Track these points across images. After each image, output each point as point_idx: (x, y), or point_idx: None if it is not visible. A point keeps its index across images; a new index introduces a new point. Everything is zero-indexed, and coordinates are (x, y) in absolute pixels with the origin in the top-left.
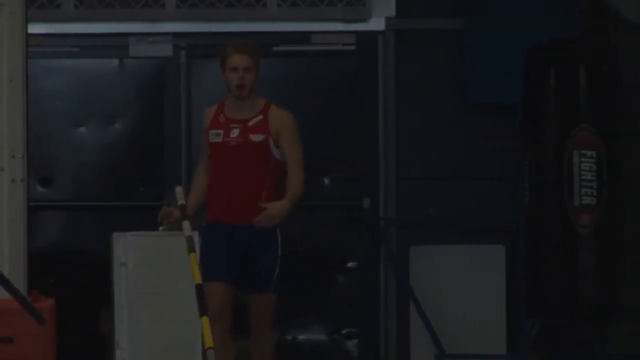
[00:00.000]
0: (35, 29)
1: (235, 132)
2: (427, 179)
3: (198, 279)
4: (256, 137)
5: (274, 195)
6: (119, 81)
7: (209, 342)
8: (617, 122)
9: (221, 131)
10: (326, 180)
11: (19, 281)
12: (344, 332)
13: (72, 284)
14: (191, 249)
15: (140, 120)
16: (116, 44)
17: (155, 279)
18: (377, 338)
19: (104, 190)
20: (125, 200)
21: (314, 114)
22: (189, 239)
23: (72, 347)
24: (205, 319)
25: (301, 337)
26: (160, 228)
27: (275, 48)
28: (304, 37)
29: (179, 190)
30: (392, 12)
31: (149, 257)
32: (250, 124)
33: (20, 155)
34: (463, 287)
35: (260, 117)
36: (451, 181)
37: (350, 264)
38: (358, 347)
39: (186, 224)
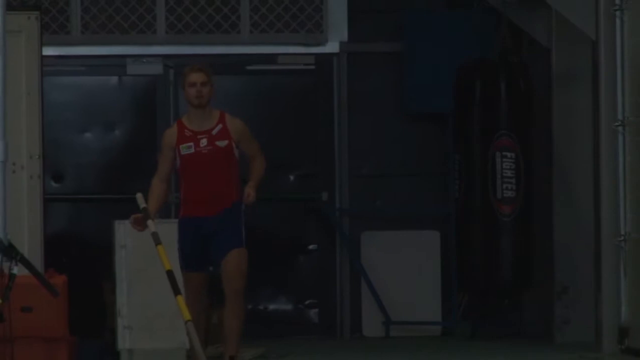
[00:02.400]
0: (48, 51)
1: (204, 142)
2: (375, 175)
3: (168, 266)
4: (221, 143)
5: (238, 186)
6: (118, 95)
7: (187, 316)
8: (531, 129)
9: (192, 143)
10: (290, 177)
11: (37, 261)
12: (306, 302)
13: (81, 263)
14: (157, 242)
15: (136, 127)
16: (115, 64)
17: (149, 259)
18: (334, 308)
19: (106, 185)
20: (123, 194)
21: (280, 122)
22: (154, 235)
23: (81, 315)
24: (179, 297)
25: (271, 307)
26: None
27: (247, 67)
28: (272, 58)
29: (139, 196)
30: (345, 37)
31: (144, 240)
32: (214, 132)
33: (37, 156)
34: (405, 266)
35: (220, 125)
36: (395, 177)
37: (311, 247)
38: (318, 315)
39: (150, 223)
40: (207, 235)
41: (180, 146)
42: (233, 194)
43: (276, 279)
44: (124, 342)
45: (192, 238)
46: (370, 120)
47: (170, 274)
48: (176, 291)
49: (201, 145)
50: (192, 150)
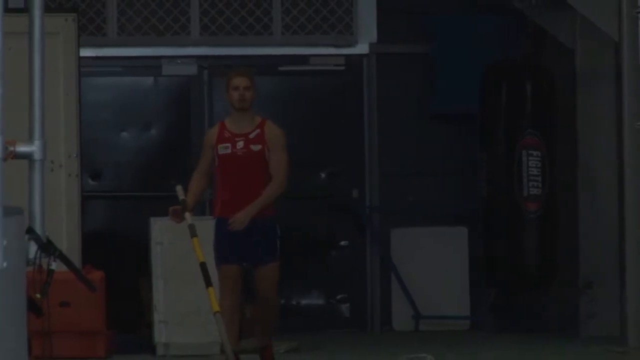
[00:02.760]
0: (85, 52)
1: (240, 144)
2: (404, 173)
3: (201, 258)
4: (255, 147)
5: None
6: (153, 95)
7: (215, 308)
8: (556, 128)
9: (229, 144)
10: (322, 176)
11: (75, 257)
12: (338, 297)
13: (118, 259)
14: (193, 235)
15: (171, 126)
16: (151, 65)
17: (185, 256)
18: (364, 303)
19: (142, 183)
20: (159, 191)
21: (311, 121)
22: (191, 227)
23: (118, 310)
24: (210, 289)
25: (303, 302)
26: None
27: (279, 68)
28: (303, 59)
29: (179, 188)
30: (374, 39)
31: (180, 237)
32: (251, 136)
33: (75, 155)
34: (434, 262)
35: (258, 130)
36: (423, 176)
37: (342, 243)
38: (349, 310)
39: (188, 215)
40: (240, 238)
41: (219, 146)
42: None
43: (308, 275)
44: (160, 336)
45: (226, 236)
46: (399, 119)
47: (203, 266)
48: (208, 283)
49: (237, 147)
50: (229, 150)
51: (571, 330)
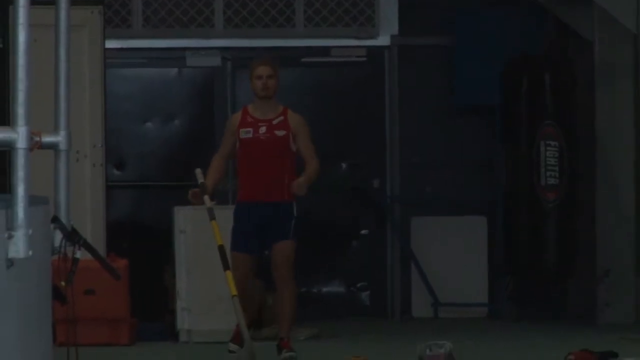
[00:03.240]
0: (110, 44)
1: (262, 129)
2: (425, 164)
3: (220, 241)
4: (280, 132)
5: (293, 177)
6: (177, 86)
7: (233, 291)
8: (574, 119)
9: (250, 129)
10: (343, 166)
11: (99, 245)
12: (358, 285)
13: (142, 247)
14: (212, 218)
15: (194, 117)
16: (175, 56)
17: (208, 244)
18: (384, 290)
19: (165, 173)
20: (182, 181)
21: (333, 112)
22: (210, 210)
23: (141, 298)
24: (228, 273)
25: (324, 289)
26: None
27: (302, 60)
28: (325, 50)
29: (198, 171)
30: (396, 31)
31: (203, 225)
32: (274, 122)
33: (100, 145)
34: (453, 250)
35: (282, 117)
36: (444, 166)
37: (363, 232)
38: (370, 298)
39: (206, 198)
40: (259, 223)
41: (241, 130)
42: (286, 186)
43: (330, 263)
44: (182, 323)
45: (245, 222)
46: (420, 110)
47: (221, 248)
48: (225, 266)
49: (260, 132)
50: (250, 135)
51: (588, 318)
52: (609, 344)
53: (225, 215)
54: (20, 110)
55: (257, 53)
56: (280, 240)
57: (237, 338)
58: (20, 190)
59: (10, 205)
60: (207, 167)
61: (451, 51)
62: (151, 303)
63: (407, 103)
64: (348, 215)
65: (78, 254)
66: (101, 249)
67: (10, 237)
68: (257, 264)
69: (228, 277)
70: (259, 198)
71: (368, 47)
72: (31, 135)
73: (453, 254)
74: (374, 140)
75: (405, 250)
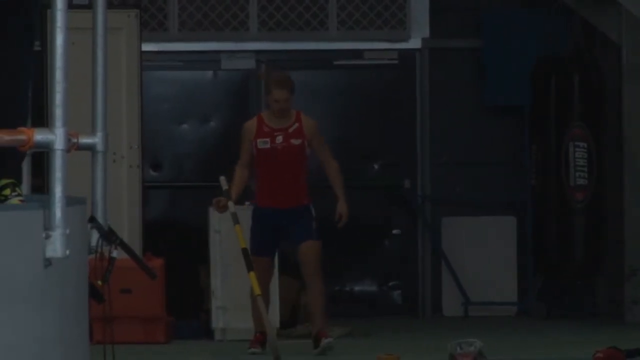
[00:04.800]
0: (147, 47)
1: (279, 139)
2: (455, 164)
3: (243, 244)
4: (296, 141)
5: (305, 181)
6: (213, 88)
7: (257, 291)
8: (602, 120)
9: (267, 139)
10: (375, 166)
11: (136, 245)
12: (390, 284)
13: (177, 247)
14: (235, 222)
15: (229, 119)
16: (211, 59)
17: None
18: (416, 289)
19: (201, 174)
20: (217, 182)
21: (365, 114)
22: (234, 215)
23: (177, 296)
24: (251, 274)
25: (357, 288)
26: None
27: (335, 62)
28: (358, 53)
29: (222, 179)
30: (426, 34)
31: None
32: (290, 130)
33: (136, 146)
34: (483, 250)
35: (296, 124)
36: (474, 166)
37: (395, 232)
38: (401, 296)
39: (231, 204)
40: (277, 227)
41: (258, 140)
42: (303, 192)
43: (362, 262)
44: (217, 321)
45: (262, 227)
46: (450, 112)
47: (244, 251)
48: (249, 268)
49: (277, 142)
50: (268, 145)
51: (616, 316)
52: (636, 341)
53: (244, 214)
54: (58, 112)
55: (291, 56)
56: (306, 240)
57: (256, 343)
58: (58, 190)
59: (47, 205)
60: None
61: (481, 53)
62: (187, 302)
63: (438, 104)
64: (380, 215)
65: (114, 254)
66: (138, 248)
67: (47, 237)
68: (273, 266)
69: (252, 277)
70: (276, 205)
71: (399, 50)
72: (69, 136)
73: (483, 253)
74: (405, 141)
75: (436, 249)
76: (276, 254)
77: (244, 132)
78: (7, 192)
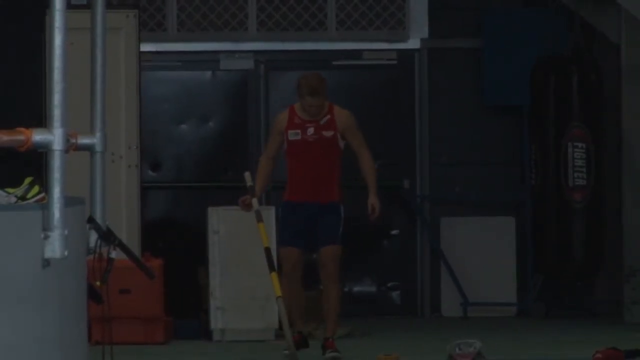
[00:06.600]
0: (146, 47)
1: (310, 130)
2: (454, 164)
3: (266, 243)
4: (327, 133)
5: (339, 174)
6: (212, 89)
7: (278, 293)
8: (601, 120)
9: (298, 131)
10: (374, 166)
11: (135, 245)
12: (389, 284)
13: (176, 247)
14: (259, 220)
15: (228, 119)
16: (209, 59)
17: (241, 244)
18: (414, 289)
19: (200, 174)
20: (216, 182)
21: (364, 114)
22: (258, 213)
23: (176, 297)
24: (273, 275)
25: (356, 288)
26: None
27: (334, 62)
28: (357, 53)
29: (247, 174)
30: (425, 34)
31: (237, 226)
32: (322, 122)
33: (135, 147)
34: (482, 250)
35: (328, 116)
36: (472, 166)
37: (393, 232)
38: (400, 297)
39: (255, 201)
40: (307, 221)
41: (289, 131)
42: (334, 187)
43: (361, 263)
44: (216, 322)
45: (293, 219)
46: (449, 112)
47: (267, 251)
48: (271, 268)
49: (308, 134)
50: (299, 137)
51: (616, 316)
52: (636, 341)
53: (266, 215)
54: (57, 112)
55: (290, 56)
56: (328, 244)
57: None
58: (56, 191)
59: (46, 206)
60: (241, 169)
61: (480, 53)
62: (186, 302)
63: (437, 104)
64: (379, 215)
65: (113, 254)
66: (136, 249)
67: (46, 237)
68: (303, 258)
69: (274, 279)
70: (306, 199)
71: (398, 50)
72: (67, 137)
73: (482, 253)
74: (404, 141)
75: (435, 249)
76: (305, 249)
77: (274, 123)
78: (36, 189)
